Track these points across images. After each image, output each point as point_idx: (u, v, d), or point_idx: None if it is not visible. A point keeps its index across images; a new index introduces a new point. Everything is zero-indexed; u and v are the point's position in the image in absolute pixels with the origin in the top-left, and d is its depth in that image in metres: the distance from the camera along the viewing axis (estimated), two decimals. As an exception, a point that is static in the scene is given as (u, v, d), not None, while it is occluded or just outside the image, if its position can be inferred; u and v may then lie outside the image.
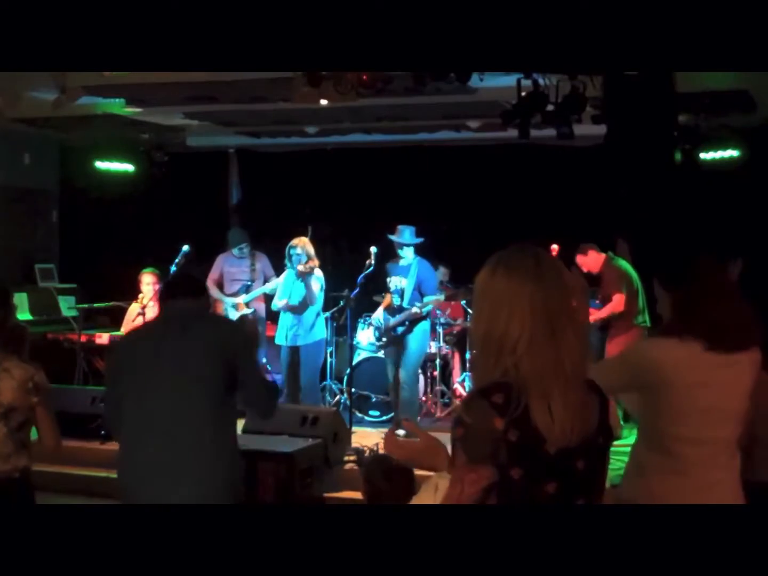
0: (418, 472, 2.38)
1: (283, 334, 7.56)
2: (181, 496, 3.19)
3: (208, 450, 3.27)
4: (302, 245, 7.48)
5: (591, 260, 7.41)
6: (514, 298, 1.90)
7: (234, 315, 8.34)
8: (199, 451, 3.26)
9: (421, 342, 7.40)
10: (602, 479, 2.02)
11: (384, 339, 7.63)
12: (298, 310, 7.49)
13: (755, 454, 3.48)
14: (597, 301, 7.44)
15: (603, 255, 7.41)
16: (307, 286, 7.41)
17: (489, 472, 1.85)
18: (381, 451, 2.22)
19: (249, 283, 8.20)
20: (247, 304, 8.22)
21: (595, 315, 7.26)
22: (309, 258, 7.45)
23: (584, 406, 1.93)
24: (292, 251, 7.48)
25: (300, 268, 7.37)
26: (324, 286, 7.61)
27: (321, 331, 7.62)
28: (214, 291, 8.57)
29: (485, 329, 1.94)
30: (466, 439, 1.88)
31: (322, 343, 7.69)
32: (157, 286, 8.13)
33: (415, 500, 2.15)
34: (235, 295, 8.34)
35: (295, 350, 7.51)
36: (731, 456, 2.79)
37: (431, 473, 2.10)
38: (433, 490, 2.03)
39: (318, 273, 7.52)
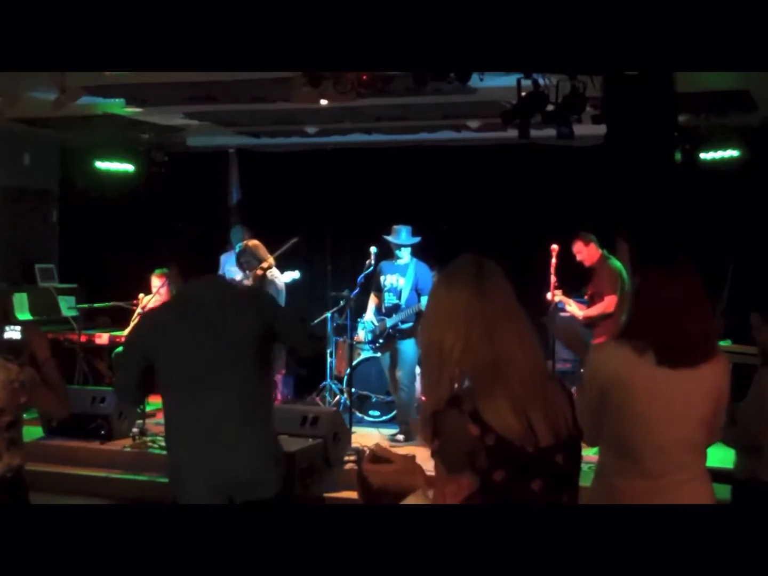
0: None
1: None
2: (230, 472, 3.21)
3: (254, 428, 3.32)
4: (251, 248, 7.23)
5: (588, 252, 7.35)
6: (452, 308, 1.98)
7: None
8: (247, 430, 3.30)
9: (414, 343, 7.41)
10: (579, 472, 2.06)
11: (381, 341, 7.55)
12: None
13: None
14: (585, 297, 7.44)
15: (600, 251, 7.39)
16: None
17: (468, 480, 1.85)
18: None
19: None
20: None
21: (586, 312, 7.28)
22: (258, 260, 7.16)
23: (544, 404, 1.95)
24: (242, 258, 7.21)
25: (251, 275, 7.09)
26: (283, 289, 7.30)
27: None
28: None
29: (427, 339, 2.02)
30: (442, 451, 1.89)
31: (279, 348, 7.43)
32: (164, 288, 8.20)
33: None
34: None
35: None
36: (696, 458, 2.76)
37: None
38: (423, 498, 2.00)
39: (274, 274, 7.21)
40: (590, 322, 7.26)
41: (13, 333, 3.39)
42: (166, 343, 3.31)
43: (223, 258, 8.64)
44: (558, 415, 1.97)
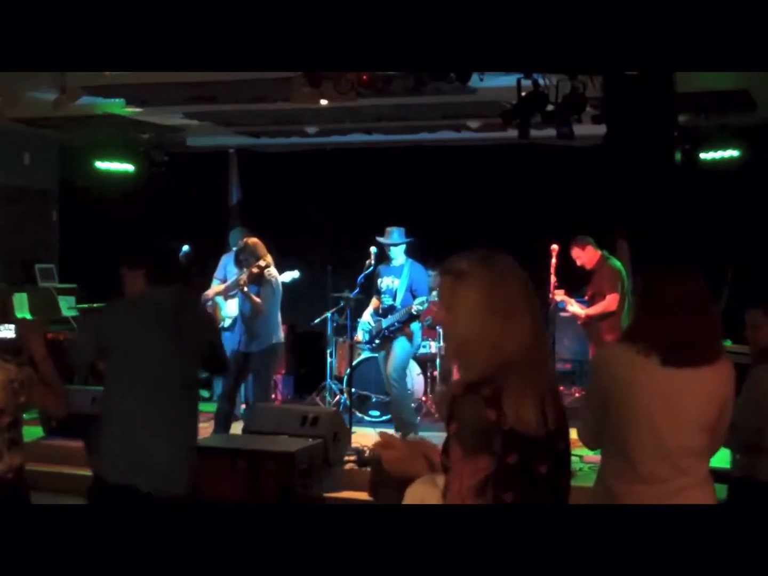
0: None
1: (236, 338, 7.14)
2: (152, 463, 3.45)
3: (182, 431, 3.65)
4: (251, 246, 7.02)
5: (587, 255, 7.38)
6: (477, 303, 2.04)
7: (229, 318, 8.30)
8: (176, 431, 3.60)
9: (408, 341, 7.42)
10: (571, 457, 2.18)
11: (377, 341, 7.63)
12: (249, 318, 7.05)
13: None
14: (586, 297, 7.44)
15: (599, 252, 7.40)
16: (249, 297, 6.92)
17: (486, 462, 1.92)
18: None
19: None
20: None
21: (587, 311, 7.28)
22: (257, 258, 6.94)
23: (553, 392, 2.06)
24: (241, 256, 7.04)
25: (239, 280, 6.92)
26: (279, 288, 7.17)
27: (274, 336, 7.17)
28: (215, 292, 8.57)
29: (453, 332, 2.11)
30: (461, 433, 1.96)
31: (276, 348, 7.29)
32: None
33: (412, 493, 2.13)
34: (234, 297, 8.29)
35: (246, 357, 7.09)
36: (696, 464, 2.73)
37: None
38: (431, 484, 2.04)
39: (272, 273, 7.06)
40: (591, 321, 7.26)
41: (8, 332, 3.40)
42: (123, 338, 3.57)
43: (224, 259, 8.62)
44: (559, 403, 2.08)
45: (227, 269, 8.55)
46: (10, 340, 3.46)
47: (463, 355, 2.07)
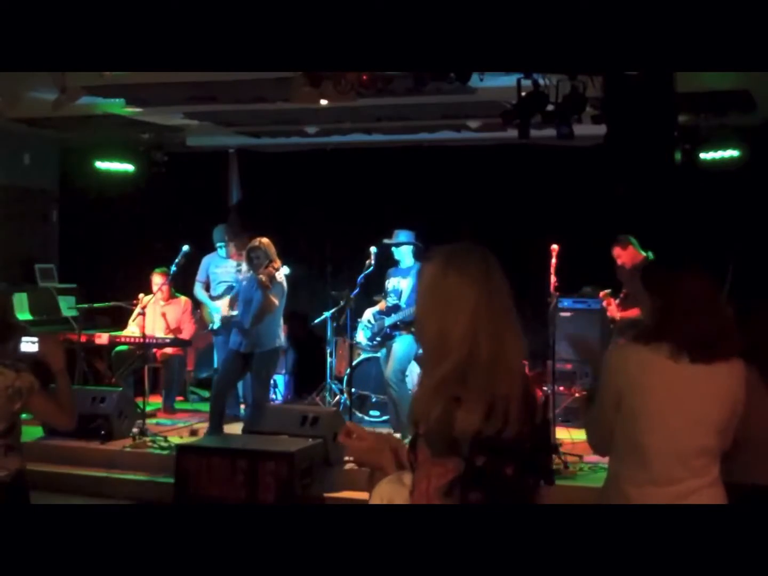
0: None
1: (237, 339, 7.13)
2: None
3: None
4: (264, 246, 6.99)
5: (628, 255, 7.34)
6: (464, 298, 1.97)
7: (218, 319, 8.27)
8: None
9: (408, 342, 7.40)
10: (541, 457, 2.13)
11: (378, 339, 7.68)
12: (256, 319, 7.00)
13: (740, 456, 3.45)
14: (621, 295, 7.38)
15: (642, 254, 7.33)
16: (267, 296, 6.89)
17: (455, 463, 1.88)
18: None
19: (234, 284, 7.75)
20: (232, 307, 7.73)
21: (626, 313, 7.18)
22: (269, 259, 6.95)
23: (522, 397, 1.99)
24: (252, 254, 6.98)
25: (262, 277, 6.86)
26: (285, 291, 7.17)
27: (277, 339, 7.19)
28: (201, 294, 8.53)
29: (435, 327, 2.00)
30: (429, 435, 1.92)
31: (278, 351, 7.31)
32: (165, 286, 8.21)
33: (379, 493, 2.12)
34: (219, 298, 8.25)
35: (246, 358, 7.09)
36: (708, 465, 2.73)
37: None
38: (399, 483, 2.02)
39: (280, 276, 7.07)
40: (623, 325, 7.18)
41: (29, 344, 3.43)
42: None
43: (205, 260, 8.60)
44: (530, 407, 2.01)
45: (209, 270, 8.54)
46: (32, 353, 3.45)
47: (440, 350, 1.98)
